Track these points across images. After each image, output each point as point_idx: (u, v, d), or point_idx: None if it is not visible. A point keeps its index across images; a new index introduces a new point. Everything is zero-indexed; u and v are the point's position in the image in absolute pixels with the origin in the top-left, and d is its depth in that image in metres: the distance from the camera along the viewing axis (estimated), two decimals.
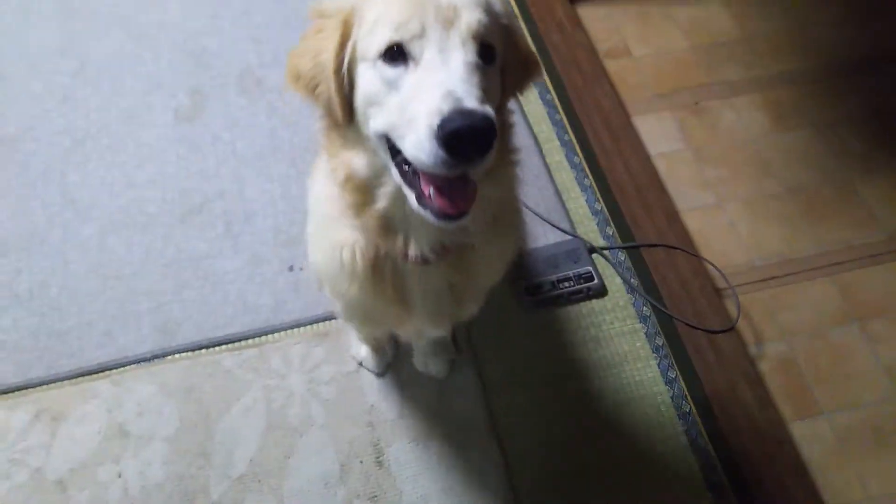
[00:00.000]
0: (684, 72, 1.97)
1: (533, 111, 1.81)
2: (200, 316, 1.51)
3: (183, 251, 1.60)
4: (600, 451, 1.36)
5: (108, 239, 1.62)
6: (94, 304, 1.53)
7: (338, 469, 1.35)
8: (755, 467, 1.35)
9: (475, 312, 1.11)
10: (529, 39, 1.94)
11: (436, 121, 0.65)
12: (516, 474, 1.34)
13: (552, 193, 1.66)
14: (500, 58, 0.76)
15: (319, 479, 1.34)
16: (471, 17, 0.71)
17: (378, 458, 1.37)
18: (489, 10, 0.74)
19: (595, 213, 1.65)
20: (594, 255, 1.58)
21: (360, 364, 1.45)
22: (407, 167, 0.74)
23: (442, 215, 0.72)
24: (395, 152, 0.74)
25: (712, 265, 1.61)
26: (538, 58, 0.87)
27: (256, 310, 1.52)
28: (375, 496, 1.33)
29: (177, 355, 1.48)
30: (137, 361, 1.47)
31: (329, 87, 0.77)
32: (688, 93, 1.92)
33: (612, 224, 1.63)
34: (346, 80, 0.77)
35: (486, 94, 0.71)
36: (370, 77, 0.75)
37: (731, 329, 1.51)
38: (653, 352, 1.47)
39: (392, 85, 0.73)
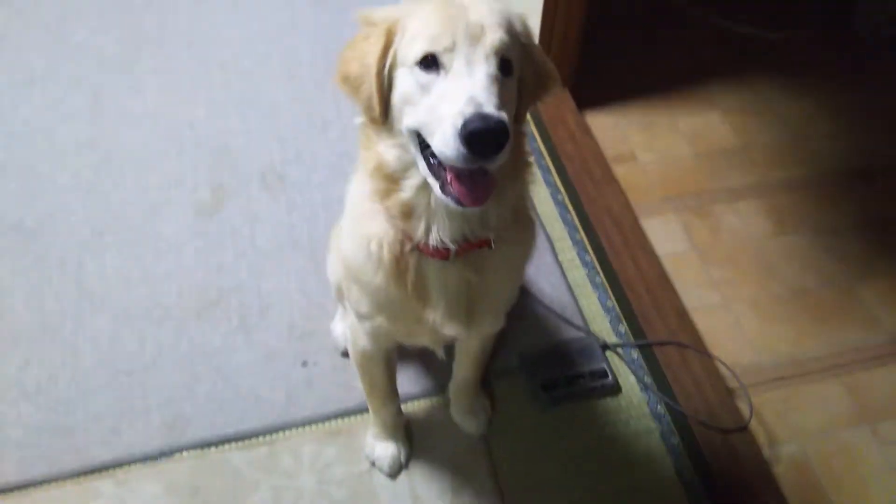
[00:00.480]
0: (688, 177, 2.12)
1: (545, 211, 1.94)
2: (211, 411, 1.54)
3: (196, 346, 1.65)
4: None
5: (121, 332, 1.67)
6: (103, 398, 1.56)
7: None
8: None
9: (495, 330, 1.25)
10: (544, 148, 2.12)
11: (459, 122, 0.80)
12: None
13: (565, 290, 1.75)
14: (517, 71, 0.92)
15: None
16: (494, 35, 0.87)
17: None
18: (510, 31, 0.90)
19: (607, 310, 1.73)
20: (607, 353, 1.65)
21: (373, 464, 1.48)
22: (433, 160, 0.88)
23: (462, 201, 0.87)
24: (423, 146, 0.90)
25: (724, 364, 1.67)
26: (555, 71, 1.01)
27: (269, 405, 1.56)
28: None
29: (184, 453, 1.50)
30: (143, 459, 1.48)
31: (371, 86, 0.93)
32: (692, 197, 2.06)
33: (623, 321, 1.71)
34: (385, 82, 0.93)
35: (504, 102, 0.86)
36: (407, 80, 0.90)
37: (745, 428, 1.55)
38: (668, 451, 1.51)
39: (425, 88, 0.88)
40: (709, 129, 2.27)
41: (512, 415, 1.56)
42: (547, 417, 1.55)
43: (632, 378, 1.62)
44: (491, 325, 1.25)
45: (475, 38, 0.87)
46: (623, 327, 1.71)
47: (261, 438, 1.52)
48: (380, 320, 1.17)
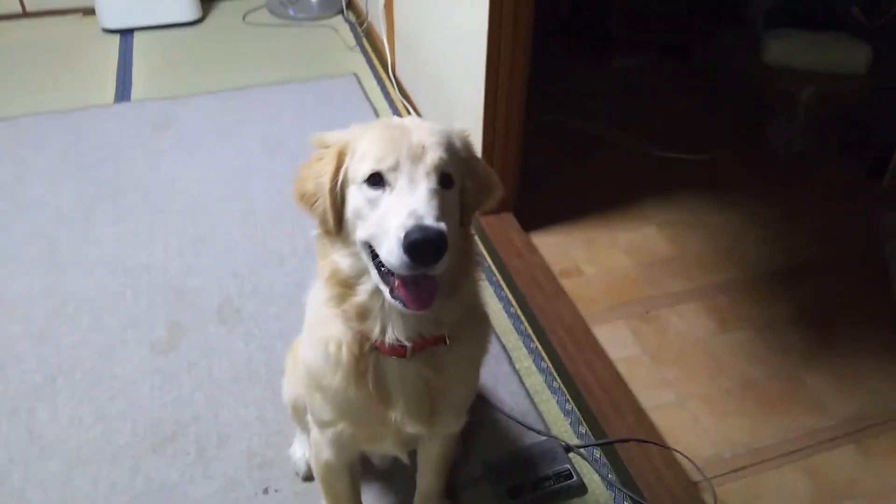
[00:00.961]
0: (631, 286, 2.33)
1: (499, 324, 2.09)
2: None
3: (153, 481, 1.67)
4: None
5: (73, 475, 1.69)
6: None
7: None
8: None
9: (456, 430, 1.32)
10: (494, 266, 2.33)
11: (401, 233, 0.92)
12: None
13: (524, 397, 1.86)
14: (458, 183, 1.05)
15: None
16: (434, 154, 1.00)
17: None
18: (449, 149, 1.03)
19: (567, 413, 1.84)
20: (570, 454, 1.73)
21: None
22: (383, 268, 0.99)
23: (408, 305, 0.98)
24: (374, 256, 1.01)
25: (685, 456, 1.77)
26: (497, 180, 1.15)
27: None
28: None
29: None
30: None
31: (325, 202, 1.05)
32: (637, 304, 2.26)
33: (583, 423, 1.82)
34: (339, 198, 1.06)
35: (445, 213, 0.98)
36: (357, 196, 1.02)
37: None
38: None
39: (373, 203, 1.00)
40: (646, 242, 2.52)
41: None
42: None
43: (596, 477, 1.70)
44: (452, 423, 1.31)
45: (417, 157, 0.99)
46: (584, 428, 1.81)
47: None
48: (342, 426, 1.24)
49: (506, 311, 2.15)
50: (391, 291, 1.00)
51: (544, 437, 1.77)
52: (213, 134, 3.01)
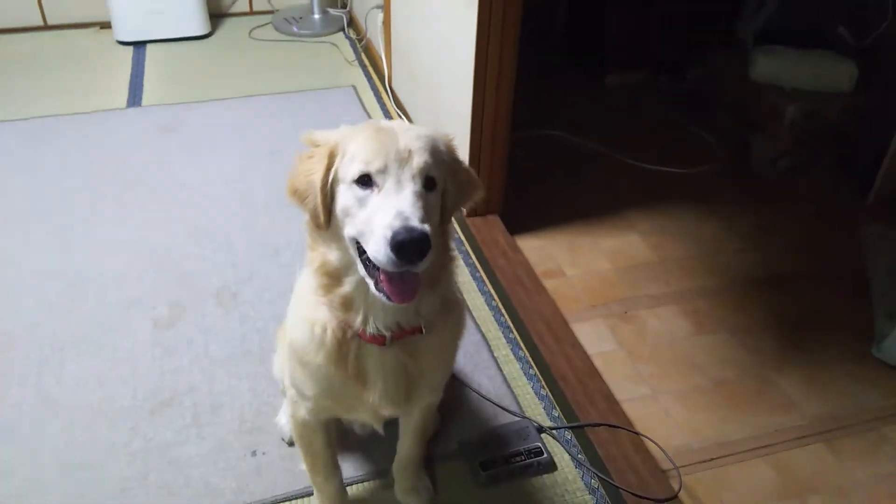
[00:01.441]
0: (611, 288, 2.52)
1: (480, 315, 2.29)
2: (162, 498, 1.72)
3: (151, 440, 1.86)
4: None
5: (76, 431, 1.88)
6: (57, 491, 1.73)
7: None
8: None
9: (434, 402, 1.43)
10: (478, 263, 2.52)
11: (389, 233, 1.02)
12: None
13: (501, 382, 2.04)
14: (441, 185, 1.19)
15: None
16: (420, 159, 1.09)
17: None
18: (434, 153, 1.13)
19: (541, 397, 2.02)
20: (543, 435, 1.91)
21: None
22: (369, 262, 1.10)
23: (392, 299, 1.09)
24: (361, 251, 1.12)
25: (654, 442, 1.93)
26: (478, 182, 1.29)
27: (219, 492, 1.74)
28: None
29: None
30: None
31: (316, 198, 1.15)
32: (616, 304, 2.44)
33: (557, 407, 1.99)
34: (329, 195, 1.15)
35: (428, 214, 1.08)
36: (347, 195, 1.12)
37: (675, 497, 1.79)
38: None
39: (362, 202, 1.09)
40: (628, 248, 2.72)
41: (453, 494, 1.77)
42: (487, 495, 1.77)
43: (566, 456, 1.87)
44: (428, 398, 1.48)
45: (404, 161, 1.09)
46: (557, 412, 1.98)
47: None
48: (321, 399, 1.40)
49: (487, 304, 2.34)
50: (376, 285, 1.11)
51: (518, 418, 1.95)
52: (217, 137, 3.27)
